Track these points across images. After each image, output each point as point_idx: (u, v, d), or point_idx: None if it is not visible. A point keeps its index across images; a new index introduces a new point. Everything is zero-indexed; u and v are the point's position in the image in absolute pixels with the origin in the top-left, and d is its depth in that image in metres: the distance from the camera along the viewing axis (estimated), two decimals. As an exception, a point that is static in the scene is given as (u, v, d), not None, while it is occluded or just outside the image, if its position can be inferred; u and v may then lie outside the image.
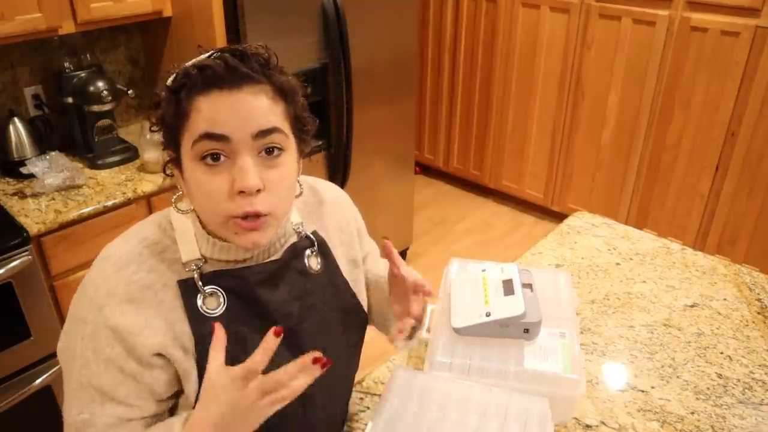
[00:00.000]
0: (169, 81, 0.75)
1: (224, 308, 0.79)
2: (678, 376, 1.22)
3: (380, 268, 1.09)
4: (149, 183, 2.01)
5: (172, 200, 0.82)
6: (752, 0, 2.45)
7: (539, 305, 1.14)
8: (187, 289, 0.77)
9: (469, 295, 1.18)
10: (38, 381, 1.83)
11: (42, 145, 2.10)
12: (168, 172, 0.81)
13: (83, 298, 0.77)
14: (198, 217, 0.80)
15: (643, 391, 1.18)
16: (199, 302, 0.77)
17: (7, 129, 2.03)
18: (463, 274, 1.27)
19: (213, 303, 0.78)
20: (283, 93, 0.75)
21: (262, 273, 0.82)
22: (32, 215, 1.82)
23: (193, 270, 0.78)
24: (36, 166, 1.95)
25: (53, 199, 1.91)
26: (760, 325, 1.36)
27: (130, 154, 2.17)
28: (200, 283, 0.78)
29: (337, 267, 0.93)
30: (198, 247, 0.80)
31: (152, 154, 2.06)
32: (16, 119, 2.04)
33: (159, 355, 0.76)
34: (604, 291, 1.48)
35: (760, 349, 1.29)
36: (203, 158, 0.72)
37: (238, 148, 0.72)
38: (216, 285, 0.79)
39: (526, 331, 1.12)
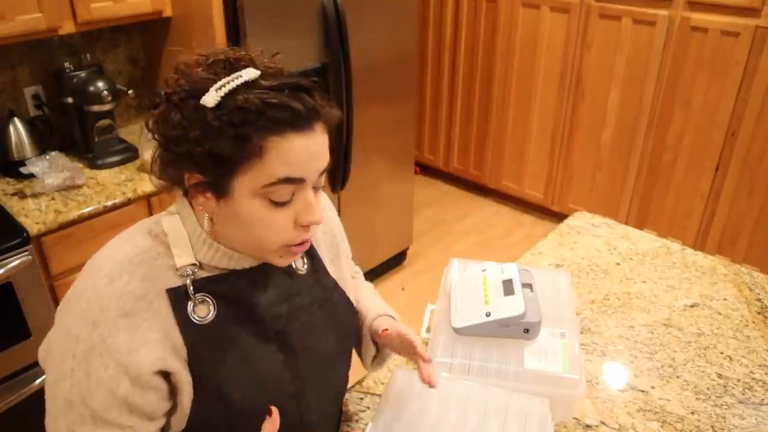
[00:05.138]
0: (231, 116, 0.69)
1: (214, 315, 0.78)
2: (678, 376, 1.22)
3: (359, 289, 1.11)
4: (149, 183, 2.00)
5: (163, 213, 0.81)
6: (752, 0, 2.45)
7: (539, 305, 1.14)
8: (177, 297, 0.76)
9: (469, 295, 1.18)
10: (38, 381, 1.83)
11: (42, 145, 2.09)
12: (169, 187, 0.79)
13: (74, 311, 0.74)
14: (201, 228, 0.78)
15: (643, 391, 1.18)
16: (189, 310, 0.76)
17: (7, 129, 2.03)
18: (463, 274, 1.27)
19: (203, 311, 0.77)
20: (330, 127, 0.77)
21: (252, 276, 0.82)
22: (32, 215, 1.82)
23: (187, 275, 0.77)
24: (36, 166, 1.95)
25: (53, 199, 1.91)
26: (760, 325, 1.36)
27: (130, 154, 2.17)
28: (191, 289, 0.77)
29: (323, 266, 0.94)
30: (194, 252, 0.79)
31: (152, 154, 2.06)
32: (16, 119, 2.04)
33: (159, 372, 0.74)
34: (604, 291, 1.48)
35: (760, 349, 1.29)
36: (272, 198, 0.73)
37: (306, 185, 0.75)
38: (207, 291, 0.78)
39: (526, 331, 1.12)
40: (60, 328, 0.75)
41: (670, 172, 2.91)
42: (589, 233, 1.72)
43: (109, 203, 1.90)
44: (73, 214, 1.83)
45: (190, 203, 0.79)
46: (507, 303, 1.13)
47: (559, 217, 3.33)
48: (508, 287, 1.17)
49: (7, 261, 1.69)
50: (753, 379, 1.21)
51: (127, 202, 1.95)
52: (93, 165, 2.11)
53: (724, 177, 2.74)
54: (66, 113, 2.14)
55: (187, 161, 0.72)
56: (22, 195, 1.93)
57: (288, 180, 0.72)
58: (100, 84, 2.05)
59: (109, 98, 2.07)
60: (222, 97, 0.69)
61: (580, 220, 1.78)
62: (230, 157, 0.70)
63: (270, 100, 0.69)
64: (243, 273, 0.81)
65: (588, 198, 3.28)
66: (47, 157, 2.00)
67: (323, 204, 0.99)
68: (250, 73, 0.71)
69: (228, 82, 0.70)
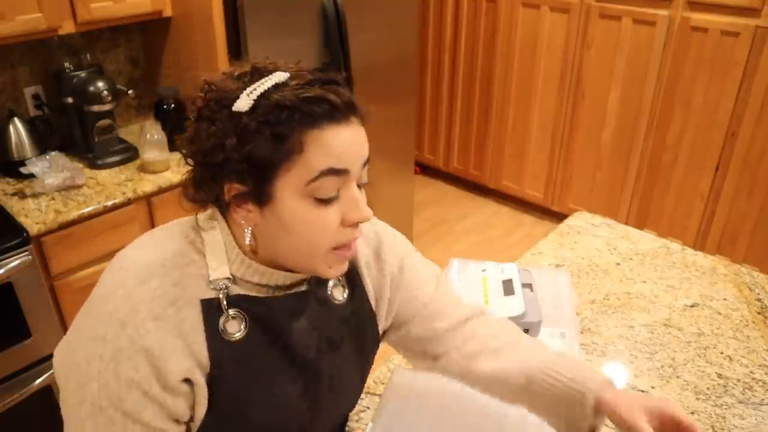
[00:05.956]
0: (267, 116, 0.68)
1: (245, 333, 0.75)
2: (678, 376, 1.22)
3: (517, 344, 0.95)
4: (149, 183, 2.01)
5: (196, 220, 0.78)
6: (752, 0, 2.45)
7: (539, 305, 1.14)
8: (210, 309, 0.73)
9: (469, 295, 1.18)
10: (38, 381, 1.83)
11: (42, 145, 2.10)
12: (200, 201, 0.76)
13: (99, 312, 0.71)
14: (234, 241, 0.76)
15: (643, 391, 1.18)
16: (221, 324, 0.74)
17: (7, 129, 2.03)
18: (463, 274, 1.27)
19: (234, 327, 0.75)
20: (364, 123, 0.76)
21: (289, 301, 0.79)
22: (32, 215, 1.82)
23: (220, 289, 0.74)
24: (36, 166, 1.95)
25: (53, 199, 1.91)
26: (760, 325, 1.36)
27: (130, 154, 2.17)
28: (225, 303, 0.74)
29: (366, 298, 0.90)
30: (228, 265, 0.76)
31: (152, 154, 2.06)
32: (16, 119, 2.04)
33: (186, 380, 0.72)
34: (604, 291, 1.48)
35: (760, 349, 1.29)
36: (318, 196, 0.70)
37: (350, 179, 0.72)
38: (242, 309, 0.75)
39: (526, 331, 1.12)
40: (83, 330, 0.72)
41: (670, 172, 2.91)
42: (589, 233, 1.72)
43: (109, 203, 1.90)
44: (73, 214, 1.83)
45: (225, 219, 0.77)
46: (507, 303, 1.13)
47: (559, 217, 3.33)
48: (508, 287, 1.17)
49: (7, 261, 1.69)
50: (753, 379, 1.21)
51: (127, 202, 1.95)
52: (93, 165, 2.11)
53: (724, 177, 2.74)
54: (66, 113, 2.14)
55: (226, 170, 0.70)
56: (22, 195, 1.93)
57: (331, 171, 0.69)
58: (100, 84, 2.05)
59: (109, 98, 2.07)
60: (255, 100, 0.68)
61: (580, 220, 1.78)
62: (270, 158, 0.68)
63: (305, 94, 0.69)
64: (280, 299, 0.79)
65: (588, 198, 3.28)
66: (47, 157, 2.00)
67: (380, 235, 0.94)
68: (279, 76, 0.71)
69: (259, 86, 0.69)
